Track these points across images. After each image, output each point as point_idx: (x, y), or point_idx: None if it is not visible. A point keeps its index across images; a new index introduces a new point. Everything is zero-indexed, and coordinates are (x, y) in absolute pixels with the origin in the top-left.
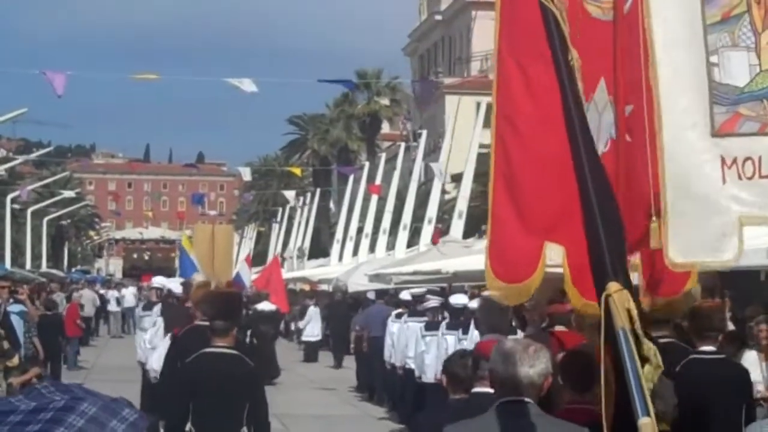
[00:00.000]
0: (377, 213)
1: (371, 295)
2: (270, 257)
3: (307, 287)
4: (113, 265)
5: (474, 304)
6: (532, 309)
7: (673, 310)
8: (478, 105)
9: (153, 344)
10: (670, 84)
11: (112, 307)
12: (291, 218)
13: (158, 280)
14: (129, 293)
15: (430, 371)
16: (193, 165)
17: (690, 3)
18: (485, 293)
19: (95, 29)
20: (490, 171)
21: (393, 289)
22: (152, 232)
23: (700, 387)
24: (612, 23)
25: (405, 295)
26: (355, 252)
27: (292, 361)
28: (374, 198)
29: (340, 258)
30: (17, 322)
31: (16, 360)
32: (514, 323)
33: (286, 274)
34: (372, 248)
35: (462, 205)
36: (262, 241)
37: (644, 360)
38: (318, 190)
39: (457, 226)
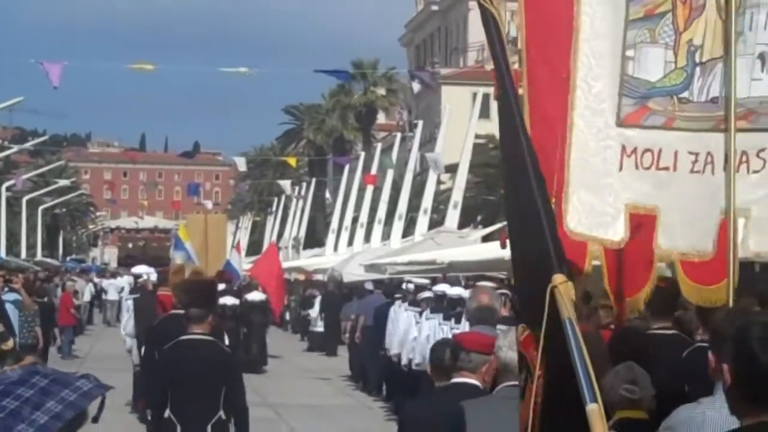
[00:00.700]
0: (372, 203)
1: (369, 286)
2: (265, 247)
3: (302, 277)
4: (108, 254)
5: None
6: None
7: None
8: (474, 95)
9: (126, 330)
10: (586, 71)
11: (111, 295)
12: (286, 208)
13: (138, 269)
14: (125, 282)
15: (426, 359)
16: (189, 154)
17: (616, 1)
18: (481, 284)
19: (91, 18)
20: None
21: (388, 278)
22: (147, 222)
23: (700, 375)
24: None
25: (405, 285)
26: (351, 242)
27: (287, 351)
28: (370, 188)
29: (336, 248)
30: (12, 311)
31: (11, 343)
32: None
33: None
34: (367, 238)
35: (457, 196)
36: (257, 230)
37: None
38: (313, 180)
39: (452, 216)
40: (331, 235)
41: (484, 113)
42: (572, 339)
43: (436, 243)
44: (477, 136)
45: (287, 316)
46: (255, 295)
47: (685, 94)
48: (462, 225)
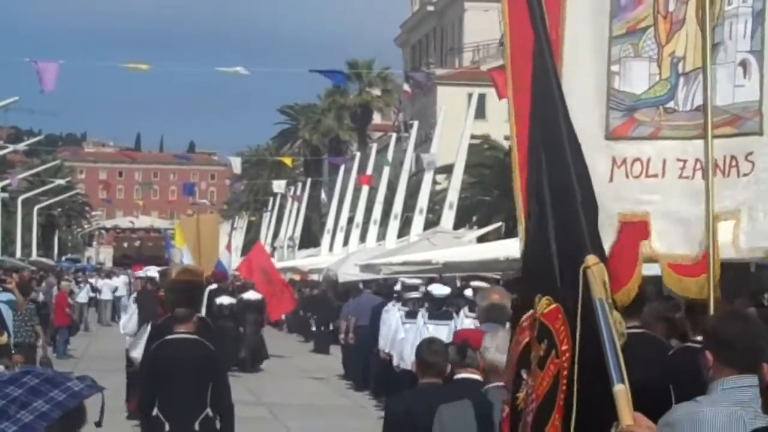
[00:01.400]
0: (368, 203)
1: (360, 285)
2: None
3: (297, 277)
4: (103, 254)
5: (468, 292)
6: None
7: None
8: (470, 96)
9: (126, 330)
10: (571, 87)
11: (105, 295)
12: (282, 208)
13: (148, 270)
14: (121, 282)
15: (408, 358)
16: (184, 156)
17: (599, 16)
18: (476, 284)
19: (87, 18)
20: (515, 177)
21: (382, 278)
22: (143, 221)
23: (686, 375)
24: None
25: (398, 286)
26: (346, 242)
27: (282, 350)
28: (365, 188)
29: (331, 248)
30: (6, 311)
31: (5, 338)
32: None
33: (276, 263)
34: (362, 238)
35: (452, 196)
36: (252, 230)
37: None
38: (309, 180)
39: (448, 216)
40: (326, 236)
41: (480, 114)
42: (602, 320)
43: (432, 243)
44: (472, 137)
45: (283, 316)
46: (251, 294)
47: (671, 104)
48: (457, 225)
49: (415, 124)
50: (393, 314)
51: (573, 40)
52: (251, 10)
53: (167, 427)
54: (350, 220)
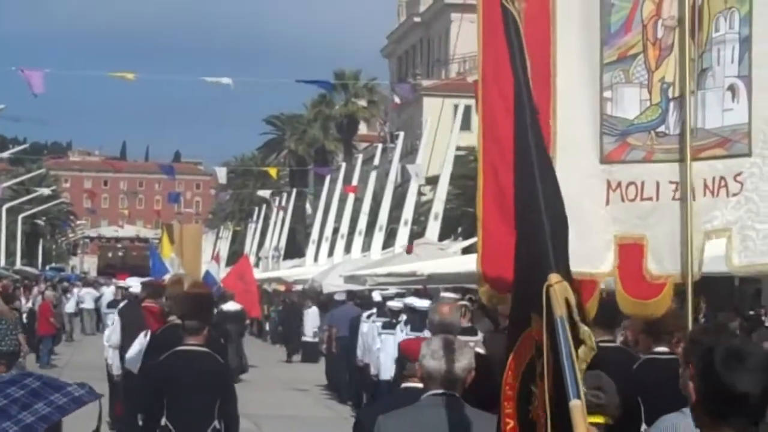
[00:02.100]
0: (353, 214)
1: (340, 296)
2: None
3: (282, 288)
4: (88, 263)
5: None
6: (503, 312)
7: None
8: (456, 107)
9: (110, 341)
10: (566, 115)
11: (87, 304)
12: (267, 218)
13: (128, 281)
14: (108, 292)
15: (385, 369)
16: (170, 165)
17: (590, 45)
18: (443, 295)
19: (73, 27)
20: (478, 188)
21: (360, 290)
22: (128, 231)
23: (651, 386)
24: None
25: (376, 296)
26: (331, 253)
27: (265, 361)
28: (350, 199)
29: (316, 258)
30: None
31: None
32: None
33: (261, 274)
34: (347, 249)
35: (438, 207)
36: (238, 240)
37: (580, 342)
38: (294, 191)
39: (433, 228)
40: (311, 246)
41: (466, 125)
42: (561, 337)
43: (417, 254)
44: (458, 148)
45: (266, 327)
46: (230, 305)
47: (662, 128)
48: (442, 237)
49: (401, 135)
50: (369, 325)
51: (566, 69)
52: (238, 21)
53: None
54: (335, 231)
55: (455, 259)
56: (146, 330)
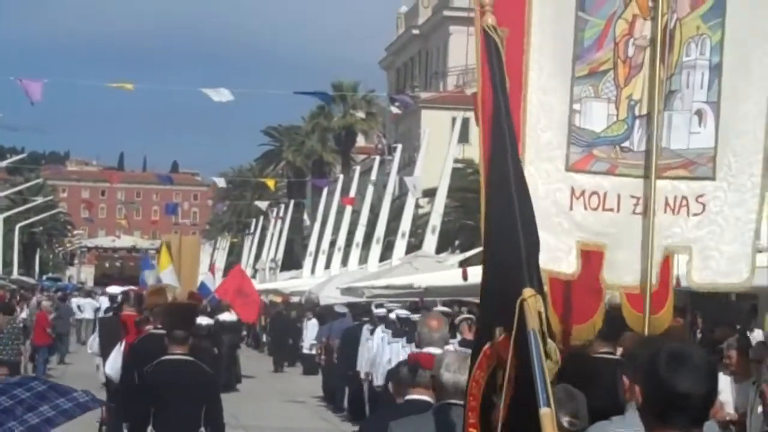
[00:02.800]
0: (350, 226)
1: (340, 309)
2: (243, 268)
3: (279, 299)
4: (85, 273)
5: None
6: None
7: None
8: (454, 120)
9: (92, 349)
10: (536, 122)
11: (87, 314)
12: (264, 229)
13: (109, 289)
14: (104, 301)
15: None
16: (167, 176)
17: (563, 58)
18: (439, 308)
19: (71, 36)
20: (481, 204)
21: (359, 301)
22: (125, 241)
23: None
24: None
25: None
26: (328, 265)
27: (261, 372)
28: (348, 211)
29: (313, 270)
30: None
31: None
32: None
33: (258, 285)
34: (345, 261)
35: (435, 220)
36: (235, 251)
37: (546, 356)
38: (292, 202)
39: (430, 240)
40: (308, 258)
41: (464, 138)
42: (534, 348)
43: (414, 267)
44: (456, 161)
45: (264, 338)
46: (226, 316)
47: (627, 144)
48: (440, 249)
49: (399, 147)
50: (376, 336)
51: (537, 80)
52: (236, 33)
53: None
54: (332, 243)
55: (453, 272)
56: (121, 339)
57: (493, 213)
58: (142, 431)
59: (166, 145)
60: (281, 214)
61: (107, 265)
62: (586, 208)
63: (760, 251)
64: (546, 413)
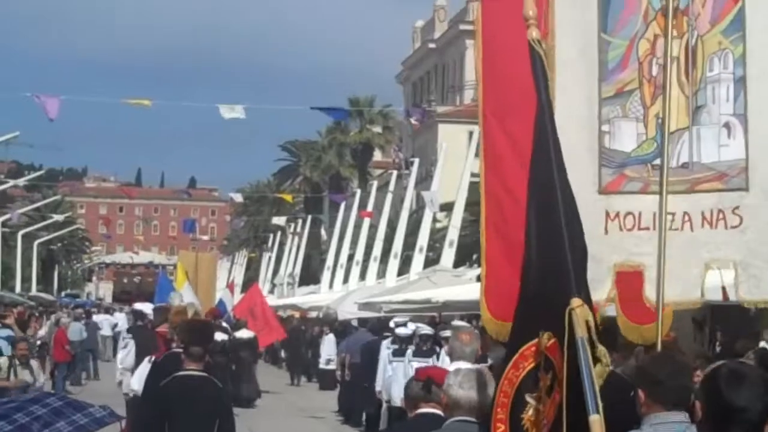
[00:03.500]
0: (368, 240)
1: (355, 323)
2: (260, 283)
3: (297, 314)
4: (103, 289)
5: (447, 333)
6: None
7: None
8: (471, 134)
9: (123, 364)
10: (566, 148)
11: (105, 331)
12: (282, 245)
13: (139, 306)
14: (122, 318)
15: (396, 396)
16: (185, 191)
17: (588, 81)
18: (456, 323)
19: (89, 54)
20: (481, 218)
21: (376, 317)
22: (143, 257)
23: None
24: None
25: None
26: (346, 279)
27: (280, 388)
28: (365, 226)
29: (331, 285)
30: (5, 347)
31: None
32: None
33: (276, 300)
34: (363, 276)
35: (453, 234)
36: (253, 267)
37: (597, 360)
38: (309, 217)
39: (448, 254)
40: (326, 273)
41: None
42: (582, 355)
43: (432, 281)
44: (473, 175)
45: (281, 354)
46: (243, 333)
47: (658, 161)
48: (457, 263)
49: (416, 161)
50: (384, 352)
51: (564, 104)
52: (253, 47)
53: None
54: (350, 258)
55: (470, 287)
56: (153, 354)
57: (538, 222)
58: None
59: (184, 161)
60: (298, 229)
61: (125, 281)
62: (621, 230)
63: None
64: (595, 420)
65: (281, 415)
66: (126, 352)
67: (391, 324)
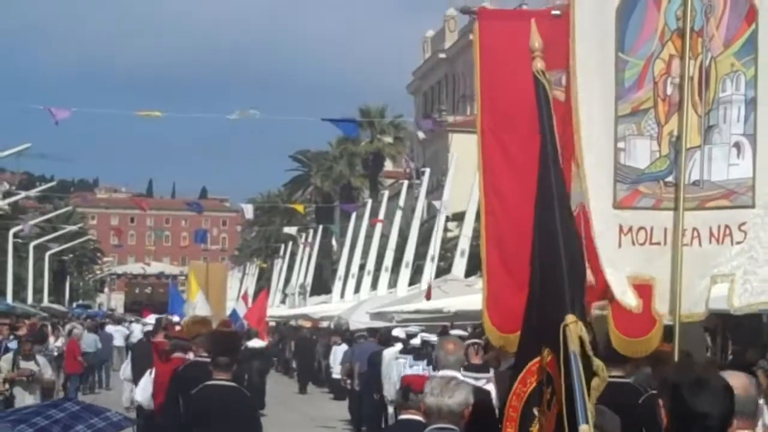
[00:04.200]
0: (379, 250)
1: (362, 333)
2: (272, 293)
3: (308, 324)
4: (115, 300)
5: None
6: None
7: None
8: None
9: (124, 375)
10: (589, 162)
11: (117, 341)
12: (293, 255)
13: (146, 318)
14: (137, 329)
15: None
16: (196, 202)
17: (606, 99)
18: (452, 331)
19: (100, 65)
20: (481, 233)
21: (384, 326)
22: (154, 267)
23: (655, 421)
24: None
25: (398, 333)
26: (357, 289)
27: (291, 397)
28: (377, 235)
29: (342, 295)
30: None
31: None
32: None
33: (287, 310)
34: (374, 285)
35: (464, 244)
36: (264, 277)
37: (594, 374)
38: (320, 227)
39: (460, 264)
40: (337, 282)
41: None
42: (574, 369)
43: (443, 291)
44: None
45: (293, 364)
46: (255, 342)
47: (670, 179)
48: (469, 273)
49: (427, 171)
50: (400, 361)
51: (587, 122)
52: (264, 57)
53: None
54: (361, 267)
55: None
56: (152, 366)
57: (541, 243)
58: None
59: (195, 172)
60: (310, 239)
61: (137, 291)
62: (634, 244)
63: None
64: (584, 429)
65: (292, 424)
66: (126, 363)
67: (401, 334)
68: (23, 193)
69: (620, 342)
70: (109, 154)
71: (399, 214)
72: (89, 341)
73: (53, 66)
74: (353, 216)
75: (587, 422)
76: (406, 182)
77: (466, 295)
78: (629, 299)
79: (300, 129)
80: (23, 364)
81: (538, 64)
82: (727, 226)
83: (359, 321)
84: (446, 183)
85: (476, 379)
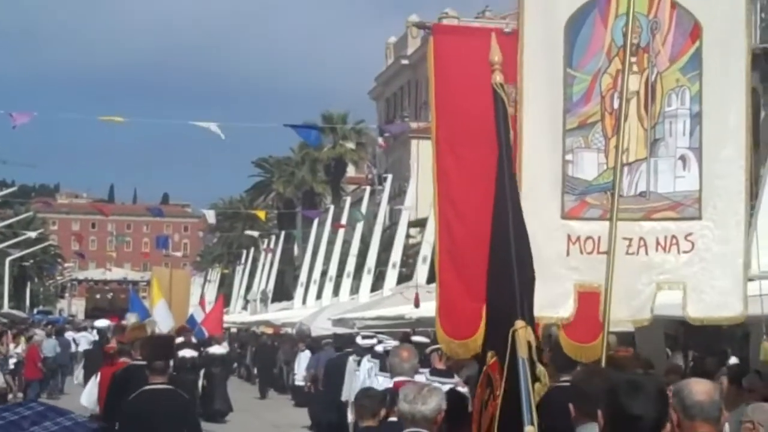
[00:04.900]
0: (341, 256)
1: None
2: (233, 299)
3: (270, 331)
4: (76, 306)
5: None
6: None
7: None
8: None
9: (78, 379)
10: (530, 174)
11: (82, 347)
12: (255, 261)
13: (98, 323)
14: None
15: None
16: (158, 208)
17: (554, 112)
18: (415, 338)
19: (61, 69)
20: (435, 244)
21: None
22: (116, 273)
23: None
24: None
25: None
26: (319, 295)
27: (253, 404)
28: (339, 241)
29: (304, 301)
30: None
31: None
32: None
33: (249, 317)
34: (336, 292)
35: (426, 250)
36: (226, 283)
37: (536, 379)
38: (282, 233)
39: (422, 270)
40: (299, 289)
41: None
42: (522, 373)
43: (405, 297)
44: None
45: (254, 371)
46: (216, 349)
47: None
48: (431, 279)
49: (389, 177)
50: (363, 367)
51: (530, 134)
52: (226, 64)
53: None
54: (323, 273)
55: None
56: (98, 371)
57: (494, 252)
58: None
59: (157, 178)
60: (271, 245)
61: (98, 297)
62: (582, 253)
63: (751, 279)
64: (529, 430)
65: (254, 431)
66: (79, 369)
67: (368, 342)
68: None
69: (570, 347)
70: (70, 159)
71: (361, 221)
72: (48, 346)
73: (14, 70)
74: (315, 222)
75: (533, 424)
76: (368, 188)
77: (428, 302)
78: (563, 311)
79: (262, 135)
80: None
81: (497, 78)
82: (674, 236)
83: (321, 327)
84: (408, 189)
85: (442, 383)
